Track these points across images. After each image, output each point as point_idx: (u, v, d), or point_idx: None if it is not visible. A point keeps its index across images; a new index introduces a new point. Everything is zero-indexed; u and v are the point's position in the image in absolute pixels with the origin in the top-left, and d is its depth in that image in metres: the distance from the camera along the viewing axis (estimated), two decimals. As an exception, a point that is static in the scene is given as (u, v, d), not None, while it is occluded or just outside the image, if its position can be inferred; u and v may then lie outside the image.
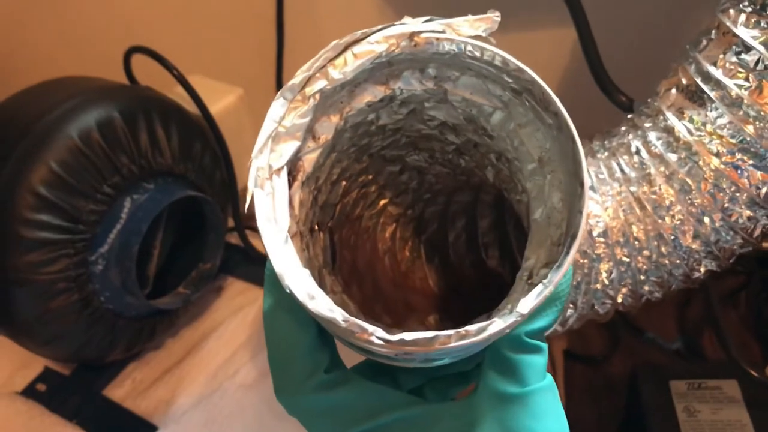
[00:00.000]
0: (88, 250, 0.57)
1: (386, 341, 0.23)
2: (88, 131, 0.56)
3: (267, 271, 0.29)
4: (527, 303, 0.23)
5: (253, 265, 0.76)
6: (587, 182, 0.24)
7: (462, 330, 0.22)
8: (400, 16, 0.30)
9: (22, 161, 0.55)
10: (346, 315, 0.23)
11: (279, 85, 0.78)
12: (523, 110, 0.28)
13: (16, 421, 0.64)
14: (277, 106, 0.27)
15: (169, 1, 0.80)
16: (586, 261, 0.46)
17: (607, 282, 0.47)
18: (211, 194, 0.66)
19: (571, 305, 0.50)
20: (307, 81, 0.28)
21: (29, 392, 0.66)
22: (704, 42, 0.42)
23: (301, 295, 0.24)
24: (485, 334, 0.22)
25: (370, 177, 0.36)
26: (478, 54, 0.27)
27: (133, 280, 0.59)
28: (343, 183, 0.34)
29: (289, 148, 0.27)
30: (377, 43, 0.28)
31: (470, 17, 0.29)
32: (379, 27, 0.28)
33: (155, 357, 0.69)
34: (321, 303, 0.23)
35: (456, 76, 0.29)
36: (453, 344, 0.22)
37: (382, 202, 0.38)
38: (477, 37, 0.28)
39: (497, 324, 0.22)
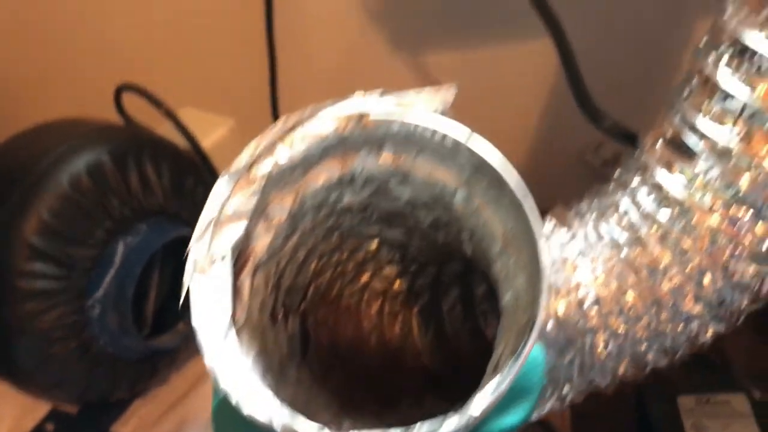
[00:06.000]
0: (83, 296, 0.57)
1: None
2: (78, 177, 0.57)
3: None
4: (480, 403, 0.21)
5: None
6: (546, 266, 0.23)
7: (413, 428, 0.21)
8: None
9: (14, 212, 0.55)
10: (287, 421, 0.21)
11: (274, 110, 0.78)
12: (483, 188, 0.27)
13: (27, 461, 0.65)
14: (221, 187, 0.26)
15: (158, 33, 0.80)
16: (578, 335, 0.44)
17: (604, 355, 0.44)
18: (207, 228, 0.66)
19: (567, 383, 0.47)
20: (255, 161, 0.27)
21: (38, 433, 0.67)
22: (687, 90, 0.41)
23: (236, 396, 0.22)
24: None
25: (345, 255, 0.34)
26: (428, 135, 0.26)
27: (130, 323, 0.59)
28: (313, 264, 0.32)
29: (234, 232, 0.25)
30: (326, 123, 0.27)
31: (426, 91, 0.28)
32: (329, 103, 0.27)
33: (160, 392, 0.69)
34: (258, 405, 0.22)
35: (414, 155, 0.28)
36: None
37: (364, 278, 0.36)
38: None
39: (447, 425, 0.21)
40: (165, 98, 0.69)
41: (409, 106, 0.27)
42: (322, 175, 0.28)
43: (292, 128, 0.27)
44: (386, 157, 0.28)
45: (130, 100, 0.69)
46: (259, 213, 0.27)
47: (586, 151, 0.84)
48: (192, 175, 0.65)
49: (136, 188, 0.60)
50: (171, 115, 0.65)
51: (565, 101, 0.55)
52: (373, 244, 0.35)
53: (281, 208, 0.28)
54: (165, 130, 0.68)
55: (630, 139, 0.49)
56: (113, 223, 0.58)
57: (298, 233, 0.30)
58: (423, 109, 0.27)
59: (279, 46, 0.75)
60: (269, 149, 0.27)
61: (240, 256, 0.26)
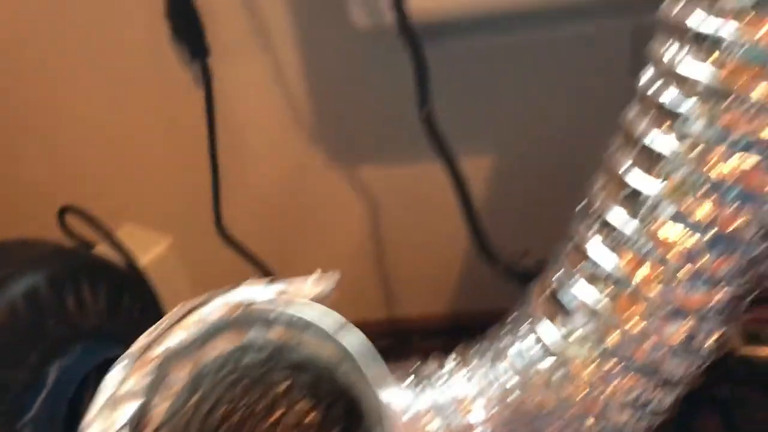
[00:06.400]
0: (15, 419, 0.59)
1: None
2: (14, 303, 0.59)
3: None
4: None
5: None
6: None
7: None
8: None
9: (-51, 338, 0.57)
10: None
11: (219, 224, 0.81)
12: (357, 368, 0.31)
13: None
14: (117, 371, 0.29)
15: (103, 152, 0.84)
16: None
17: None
18: (143, 344, 0.68)
19: None
20: (151, 344, 0.30)
21: None
22: (569, 246, 0.45)
23: None
24: None
25: (254, 399, 0.36)
26: (304, 324, 0.30)
27: (62, 443, 0.61)
28: (221, 410, 0.35)
29: (129, 408, 0.28)
30: (217, 310, 0.31)
31: (312, 278, 0.32)
32: (221, 291, 0.31)
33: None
34: None
35: (300, 332, 0.32)
36: None
37: (276, 415, 0.38)
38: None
39: None
40: (108, 214, 0.72)
41: (292, 294, 0.31)
42: (219, 347, 0.32)
43: (188, 313, 0.31)
44: (277, 331, 0.32)
45: (73, 218, 0.72)
46: (156, 386, 0.30)
47: (513, 257, 0.89)
48: (128, 294, 0.68)
49: (73, 311, 0.62)
50: (109, 236, 0.68)
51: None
52: (282, 387, 0.37)
53: (180, 377, 0.31)
54: (106, 246, 0.71)
55: (524, 279, 0.53)
56: (48, 345, 0.60)
57: (200, 392, 0.33)
58: (305, 295, 0.31)
59: (221, 163, 0.79)
60: (166, 332, 0.30)
61: (138, 424, 0.29)
